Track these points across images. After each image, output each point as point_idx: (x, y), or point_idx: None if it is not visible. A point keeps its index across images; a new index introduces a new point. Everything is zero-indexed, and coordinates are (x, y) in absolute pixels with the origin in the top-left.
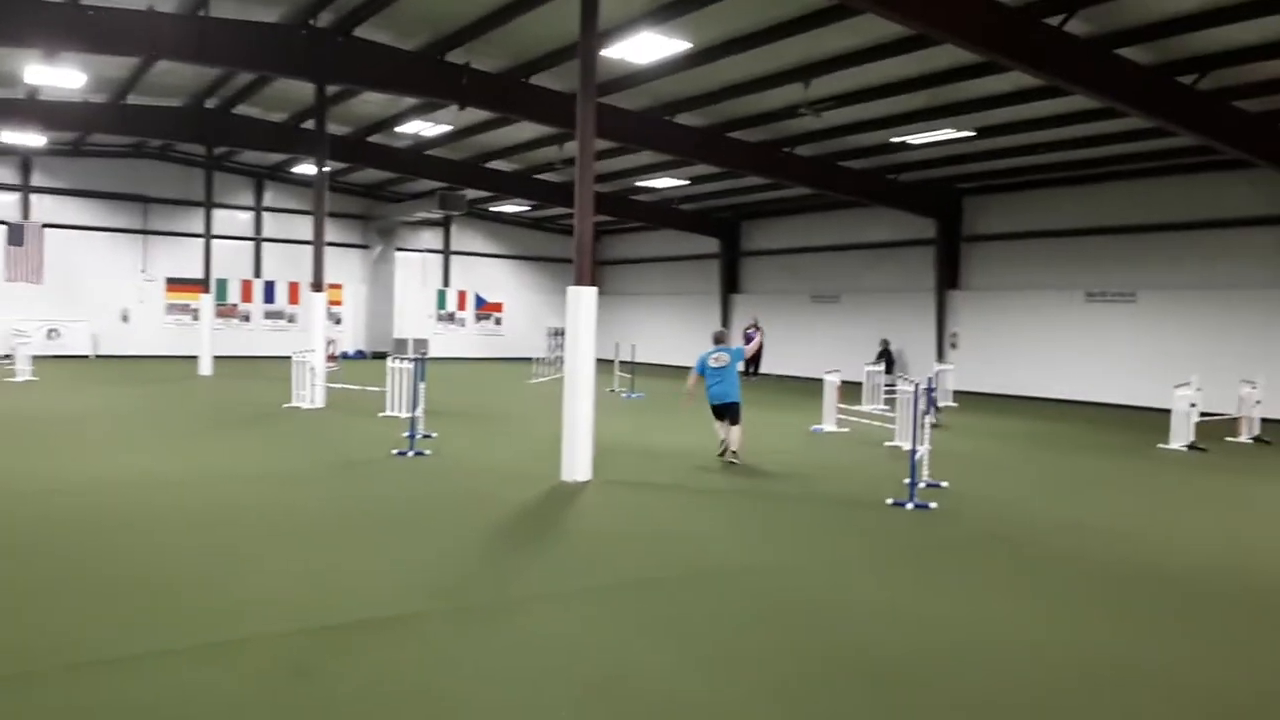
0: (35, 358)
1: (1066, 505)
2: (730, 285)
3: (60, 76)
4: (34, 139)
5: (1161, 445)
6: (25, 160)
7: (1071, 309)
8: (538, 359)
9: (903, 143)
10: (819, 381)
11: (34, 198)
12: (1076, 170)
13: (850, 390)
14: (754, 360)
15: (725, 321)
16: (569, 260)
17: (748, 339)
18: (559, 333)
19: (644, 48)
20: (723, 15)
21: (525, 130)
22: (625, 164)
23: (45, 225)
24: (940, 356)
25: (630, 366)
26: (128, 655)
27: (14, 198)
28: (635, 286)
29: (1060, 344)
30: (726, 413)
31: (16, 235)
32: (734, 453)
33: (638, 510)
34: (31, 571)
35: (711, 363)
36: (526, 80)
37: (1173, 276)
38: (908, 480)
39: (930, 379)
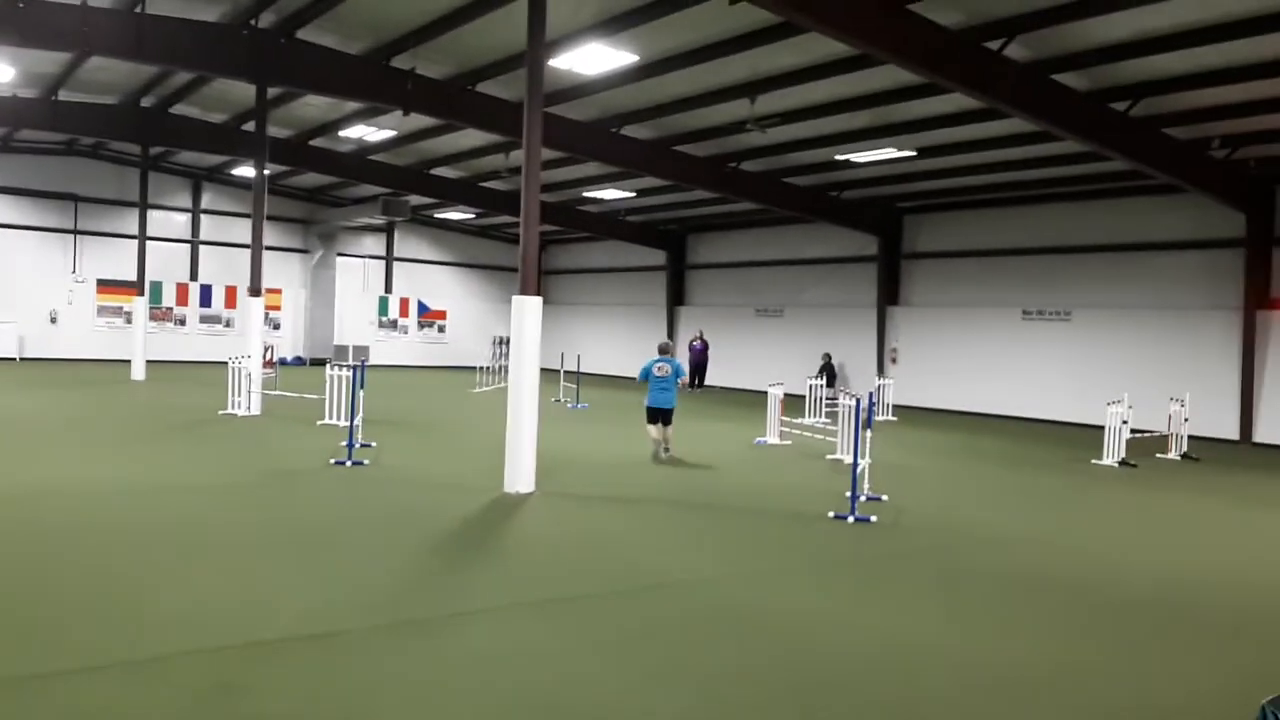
0: None
1: (1002, 518)
2: (676, 297)
3: None
4: None
5: (1094, 461)
6: None
7: (1008, 326)
8: (482, 368)
9: (846, 160)
10: (762, 394)
11: None
12: (1014, 191)
13: (793, 403)
14: (699, 372)
15: (671, 334)
16: (513, 269)
17: (693, 350)
18: (504, 341)
19: (592, 59)
20: (670, 29)
21: (471, 138)
22: (572, 174)
23: None
24: (880, 371)
25: (576, 376)
26: (46, 673)
27: None
28: (582, 296)
29: (997, 360)
30: (663, 416)
31: None
32: (668, 449)
33: (580, 523)
34: None
35: (656, 371)
36: (472, 88)
37: (1106, 296)
38: (849, 493)
39: (871, 393)
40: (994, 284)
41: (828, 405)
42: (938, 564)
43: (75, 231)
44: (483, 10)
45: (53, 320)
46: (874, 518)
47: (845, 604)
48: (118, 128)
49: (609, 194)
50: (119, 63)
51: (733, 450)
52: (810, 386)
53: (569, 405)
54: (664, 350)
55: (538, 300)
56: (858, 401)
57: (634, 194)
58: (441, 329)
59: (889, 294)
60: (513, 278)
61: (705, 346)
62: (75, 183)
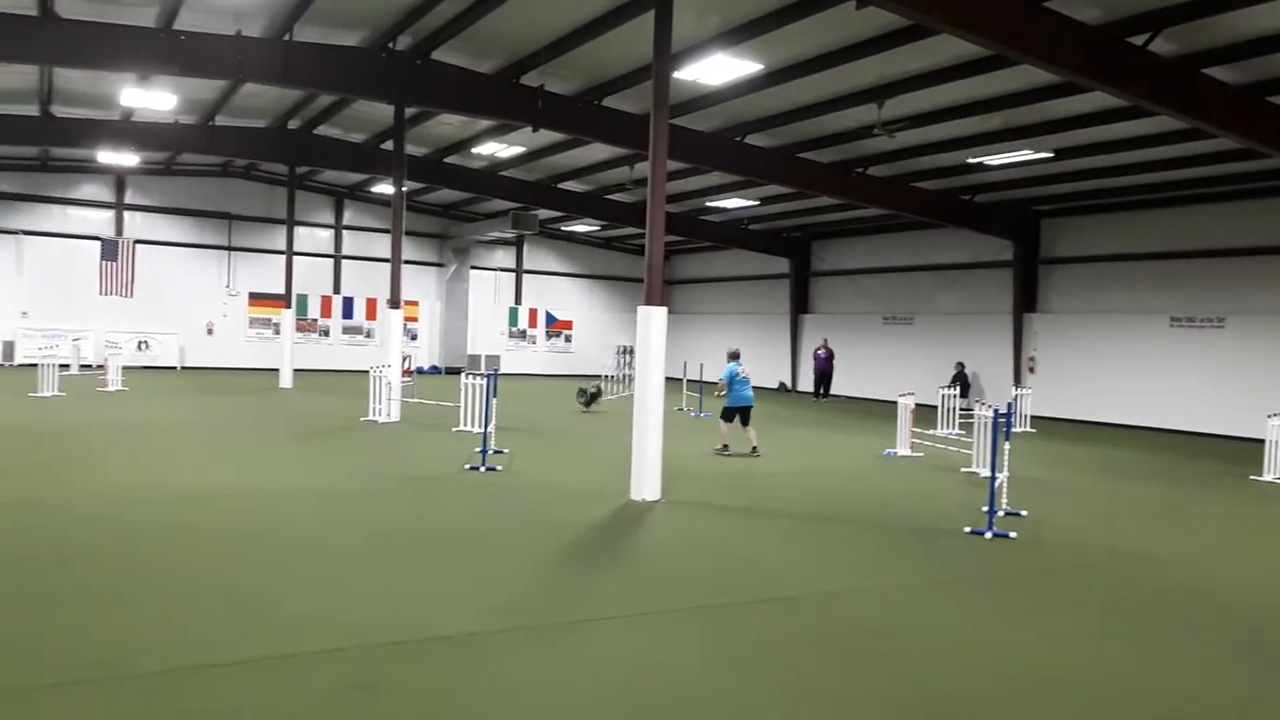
0: (125, 368)
1: (1151, 536)
2: (800, 305)
3: (153, 99)
4: (128, 159)
5: (1253, 477)
6: (120, 179)
7: (1155, 334)
8: (606, 376)
9: (979, 164)
10: (891, 404)
11: (127, 215)
12: (1161, 192)
13: (924, 414)
14: (824, 382)
15: (795, 342)
16: (638, 279)
17: (817, 359)
18: (627, 350)
19: (716, 70)
20: (794, 36)
21: (597, 151)
22: (695, 184)
23: (137, 241)
24: (1017, 381)
25: (699, 385)
26: (196, 665)
27: (108, 215)
28: (704, 306)
29: (1143, 370)
30: (748, 414)
31: (110, 251)
32: (756, 447)
33: (707, 531)
34: (102, 580)
35: (741, 373)
36: (599, 102)
37: (1265, 301)
38: (986, 508)
39: (1009, 403)
40: (1139, 290)
41: (961, 416)
42: (1082, 584)
43: (229, 248)
44: (609, 26)
45: (209, 332)
46: (1013, 534)
47: (981, 624)
48: (267, 149)
49: (732, 203)
50: (269, 88)
51: (861, 462)
52: (943, 397)
53: (692, 414)
54: (736, 356)
55: (663, 311)
56: (995, 412)
57: (757, 202)
58: (568, 339)
59: (1026, 301)
60: (636, 288)
61: (830, 355)
62: (229, 202)
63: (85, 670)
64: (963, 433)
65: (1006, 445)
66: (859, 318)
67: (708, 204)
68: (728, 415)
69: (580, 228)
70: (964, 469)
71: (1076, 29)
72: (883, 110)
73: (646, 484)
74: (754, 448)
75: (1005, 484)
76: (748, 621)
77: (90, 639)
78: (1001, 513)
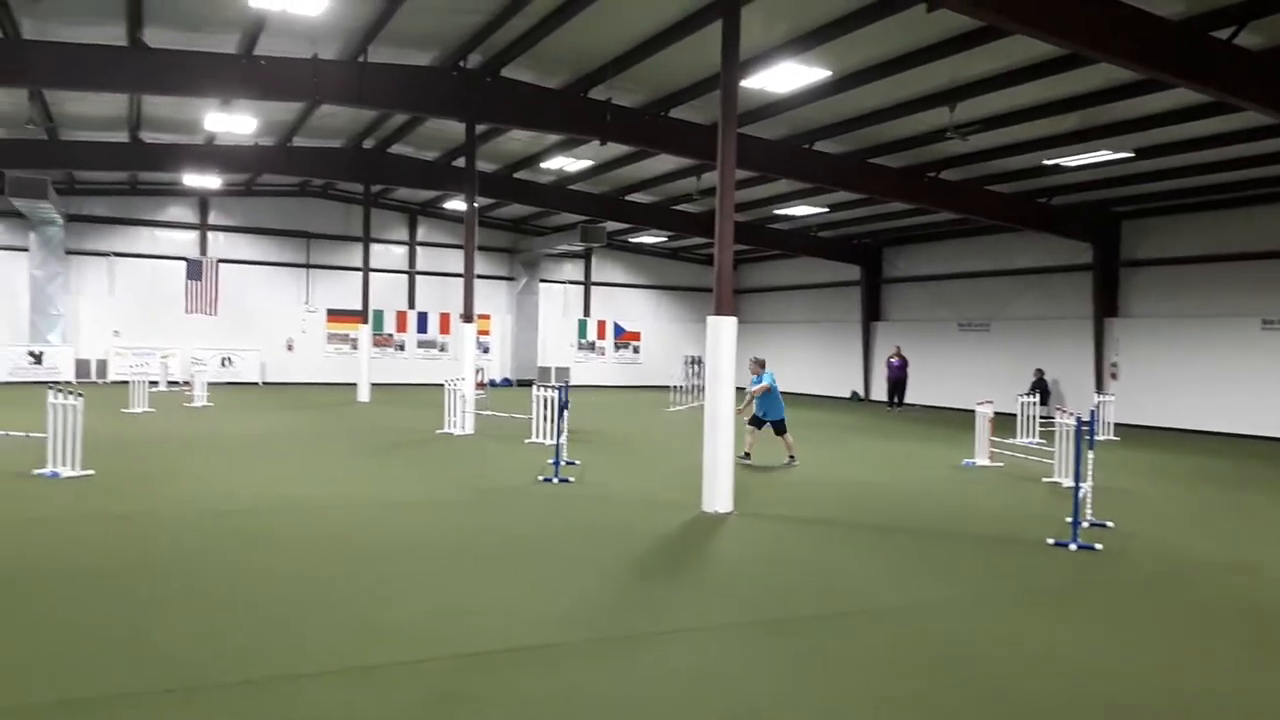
0: (210, 384)
1: (1247, 549)
2: (872, 313)
3: (234, 123)
4: (211, 181)
5: None
6: (203, 201)
7: (1246, 337)
8: (675, 387)
9: (1055, 165)
10: (967, 413)
11: (210, 235)
12: (1249, 190)
13: (1002, 422)
14: (898, 390)
15: (867, 350)
16: (706, 289)
17: (891, 368)
18: (696, 361)
19: (784, 77)
20: (863, 41)
21: (663, 163)
22: (763, 192)
23: (220, 261)
24: (1099, 387)
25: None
26: (280, 675)
27: (193, 235)
28: (773, 314)
29: (1233, 374)
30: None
31: (195, 270)
32: (794, 456)
33: (781, 544)
34: (195, 589)
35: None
36: (666, 114)
37: None
38: (1070, 519)
39: (1092, 411)
40: (1228, 292)
41: (1042, 424)
42: (1172, 597)
43: (308, 266)
44: (676, 37)
45: (289, 348)
46: (1099, 545)
47: (1062, 638)
48: (343, 169)
49: (800, 210)
50: (344, 109)
51: (938, 472)
52: (1022, 404)
53: None
54: (764, 365)
55: (733, 320)
56: (1078, 420)
57: (826, 209)
58: (636, 349)
59: (1107, 305)
60: (703, 298)
61: (904, 363)
62: (307, 221)
63: (186, 677)
64: (1043, 441)
65: (1090, 454)
66: (933, 324)
67: (776, 212)
68: (777, 428)
69: (647, 239)
70: (1045, 479)
71: (1157, 25)
72: (955, 113)
73: (718, 495)
74: (792, 456)
75: (1090, 494)
76: (822, 636)
77: (189, 646)
78: (1086, 524)
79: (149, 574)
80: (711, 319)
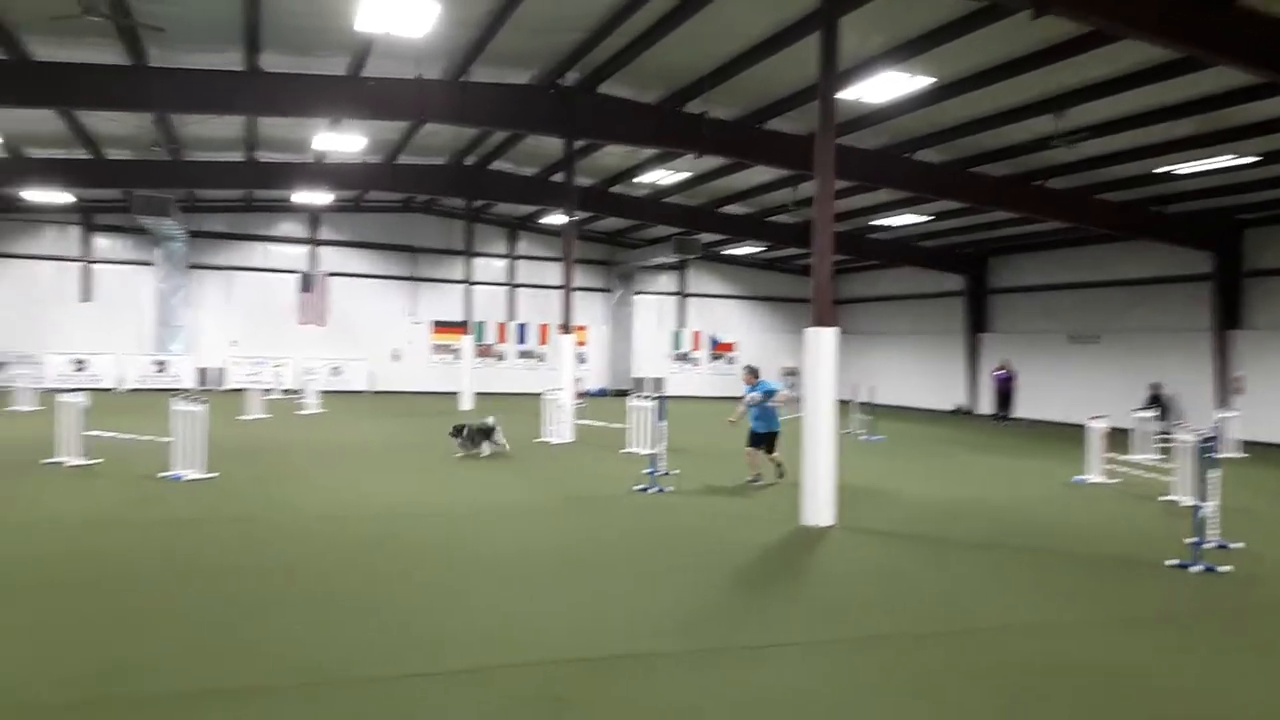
0: (321, 392)
1: None
2: (977, 324)
3: (343, 141)
4: (321, 198)
5: None
6: (314, 217)
7: None
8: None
9: (1168, 173)
10: (1077, 428)
11: (321, 250)
12: None
13: (1116, 438)
14: (1005, 403)
15: (972, 363)
16: (802, 300)
17: (997, 381)
18: (792, 372)
19: (882, 87)
20: (966, 49)
21: (759, 174)
22: (861, 202)
23: (330, 274)
24: (1222, 402)
25: (870, 408)
26: (394, 675)
27: (304, 250)
28: (873, 326)
29: None
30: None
31: (306, 283)
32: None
33: (884, 559)
34: (307, 591)
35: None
36: (761, 125)
37: None
38: (1191, 539)
39: (1215, 427)
40: None
41: (1159, 440)
42: None
43: (413, 279)
44: (773, 50)
45: (395, 358)
46: (1224, 568)
47: (1187, 664)
48: (446, 185)
49: (901, 220)
50: (447, 127)
51: (1048, 489)
52: (1137, 419)
53: (862, 438)
54: (758, 374)
55: (833, 332)
56: (1201, 436)
57: (928, 218)
58: (731, 361)
59: (1228, 317)
60: (800, 309)
61: (1010, 376)
62: (412, 235)
63: (307, 674)
64: (1162, 458)
65: (1214, 471)
66: (1041, 336)
67: (874, 222)
68: (770, 443)
69: (743, 250)
70: (1163, 497)
71: (1275, 27)
72: (1062, 120)
73: (819, 509)
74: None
75: (1213, 513)
76: (925, 654)
77: (309, 645)
78: (1210, 544)
79: (270, 574)
80: (810, 330)
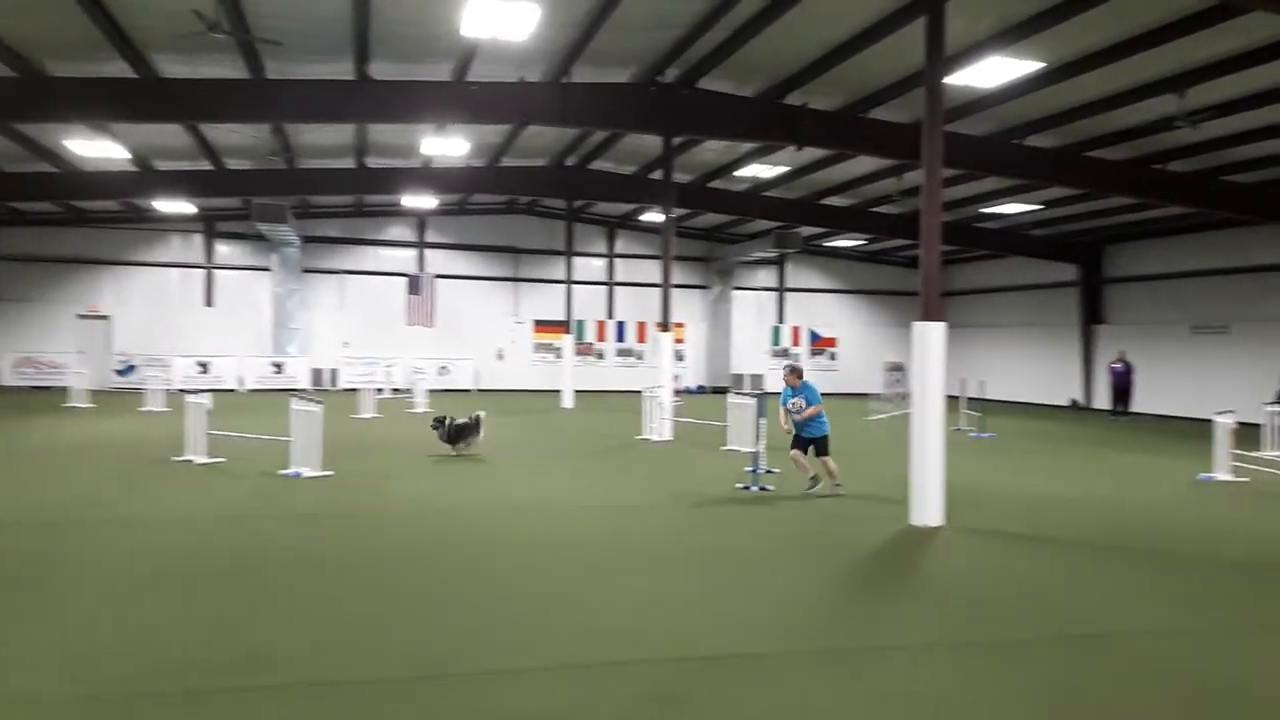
0: (429, 391)
1: None
2: (1092, 315)
3: (449, 146)
4: (427, 202)
5: None
6: (421, 221)
7: None
8: (875, 395)
9: None
10: (1202, 423)
11: (427, 253)
12: None
13: (1246, 433)
14: (1123, 398)
15: (1087, 355)
16: (906, 293)
17: (1114, 374)
18: (897, 367)
19: (991, 72)
20: (1079, 29)
21: (861, 164)
22: (968, 191)
23: (436, 276)
24: None
25: (979, 404)
26: (505, 669)
27: (412, 253)
28: (982, 318)
29: None
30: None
31: (414, 286)
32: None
33: (998, 560)
34: (419, 585)
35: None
36: (864, 115)
37: None
38: None
39: None
40: None
41: None
42: None
43: (515, 279)
44: (876, 38)
45: (499, 357)
46: None
47: None
48: (547, 186)
49: (1010, 208)
50: (548, 129)
51: (1171, 487)
52: (1270, 414)
53: (972, 434)
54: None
55: (941, 326)
56: None
57: (1039, 206)
58: (832, 356)
59: None
60: (904, 302)
61: (1129, 369)
62: (514, 237)
63: (421, 666)
64: None
65: None
66: (1161, 327)
67: (983, 210)
68: (821, 446)
69: (844, 242)
70: None
71: None
72: (1185, 100)
73: (928, 508)
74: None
75: None
76: (1043, 659)
77: (423, 637)
78: None
79: (388, 567)
80: (918, 325)
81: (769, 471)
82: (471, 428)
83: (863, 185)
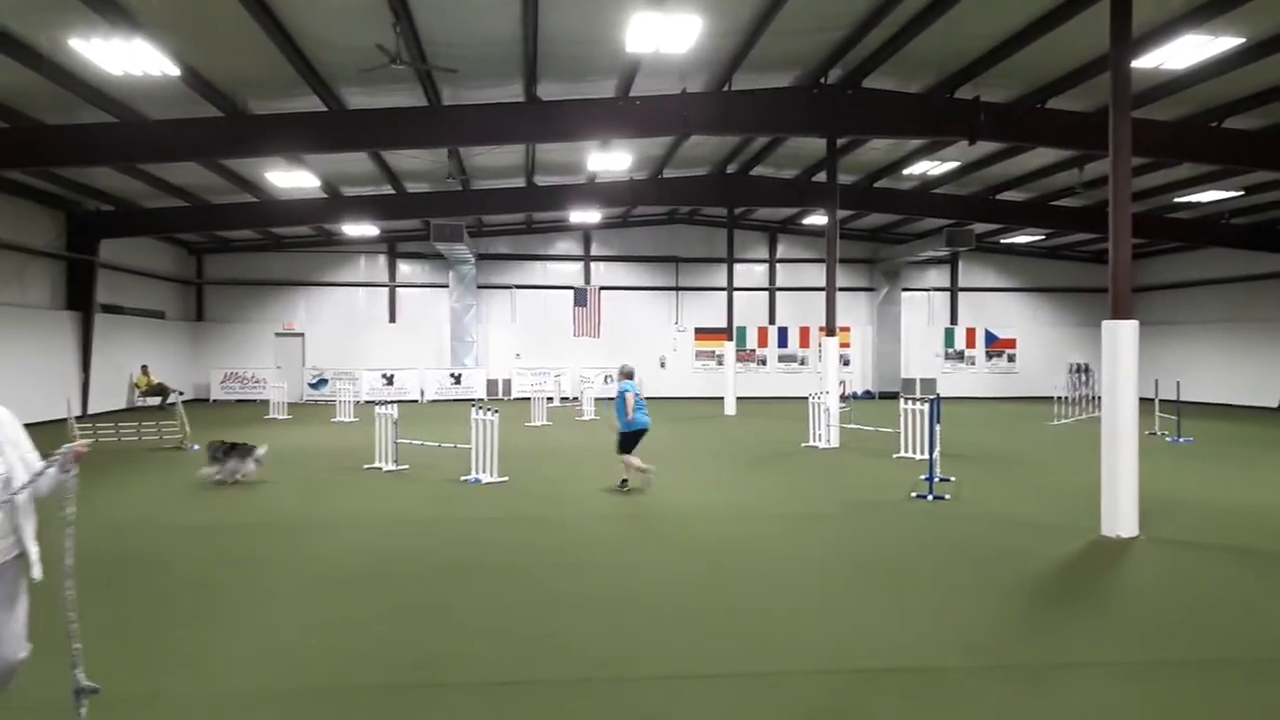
0: (596, 399)
1: None
2: None
3: (612, 161)
4: (592, 216)
5: None
6: (586, 234)
7: None
8: (1059, 398)
9: None
10: None
11: (592, 265)
12: None
13: None
14: None
15: None
16: (1090, 289)
17: None
18: (1081, 369)
19: (1183, 52)
20: None
21: (1039, 156)
22: (1157, 179)
23: (601, 288)
24: None
25: (1174, 406)
26: (675, 675)
27: (578, 266)
28: (1175, 314)
29: None
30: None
31: (581, 298)
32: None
33: (1198, 575)
34: (591, 589)
35: (641, 395)
36: (1042, 105)
37: None
38: None
39: None
40: None
41: None
42: None
43: (676, 288)
44: (1053, 25)
45: (661, 365)
46: None
47: None
48: (708, 194)
49: (1206, 196)
50: (709, 138)
51: None
52: None
53: (1168, 439)
54: (631, 375)
55: (1133, 325)
56: None
57: (1238, 193)
58: (1010, 358)
59: None
60: (1088, 299)
61: None
62: (675, 246)
63: (589, 670)
64: None
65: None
66: None
67: (1175, 200)
68: (628, 445)
69: (1021, 239)
70: None
71: None
72: None
73: (1120, 518)
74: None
75: None
76: (1249, 683)
77: (592, 642)
78: None
79: (560, 571)
80: (1108, 324)
81: (945, 479)
82: (245, 450)
83: (1040, 178)
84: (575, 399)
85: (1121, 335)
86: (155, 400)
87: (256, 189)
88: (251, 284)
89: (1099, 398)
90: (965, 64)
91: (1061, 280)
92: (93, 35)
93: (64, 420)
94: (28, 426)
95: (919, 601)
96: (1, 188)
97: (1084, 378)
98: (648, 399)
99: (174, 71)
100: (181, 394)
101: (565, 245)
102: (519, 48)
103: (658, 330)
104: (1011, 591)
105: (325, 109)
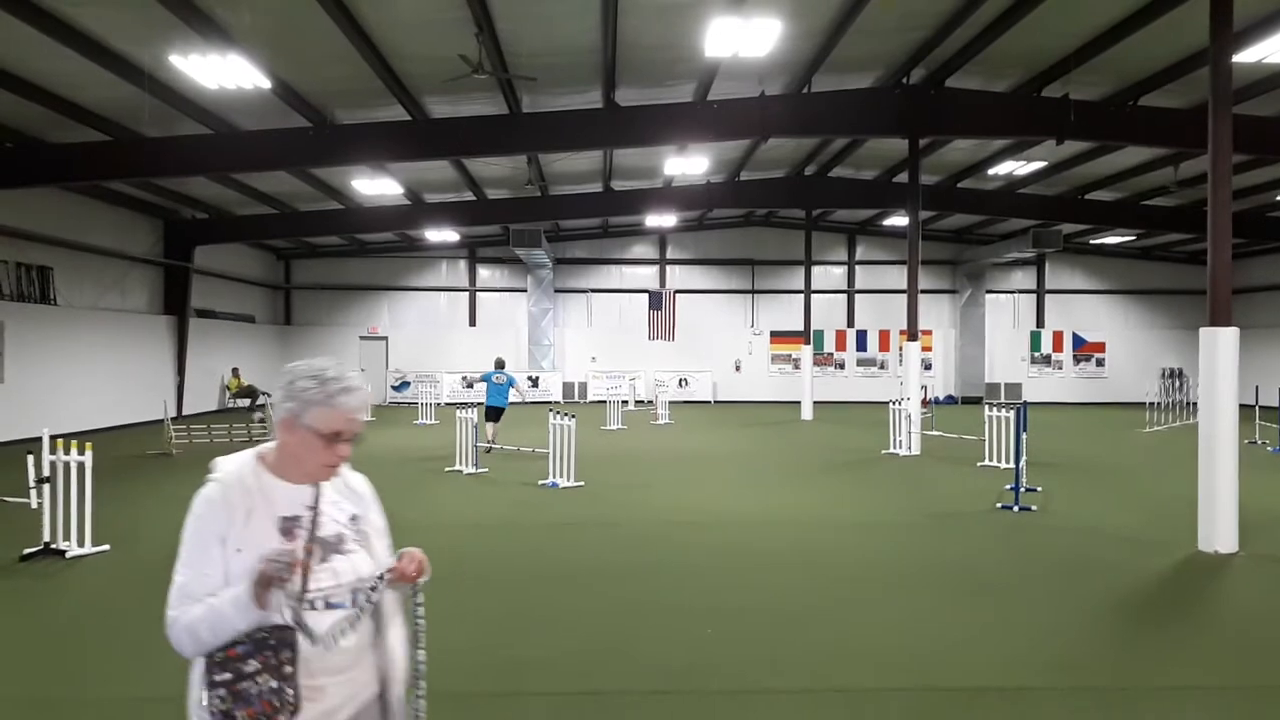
0: (670, 403)
1: None
2: None
3: (689, 165)
4: (668, 220)
5: None
6: (662, 238)
7: None
8: (1151, 404)
9: None
10: None
11: (668, 269)
12: None
13: None
14: None
15: None
16: (1185, 292)
17: None
18: (1174, 374)
19: None
20: None
21: (1130, 155)
22: (1259, 177)
23: (676, 291)
24: None
25: (1277, 414)
26: (756, 689)
27: (653, 270)
28: (1276, 318)
29: None
30: (496, 415)
31: (656, 301)
32: (493, 442)
33: None
34: (668, 598)
35: (494, 380)
36: (1134, 103)
37: None
38: None
39: None
40: None
41: None
42: None
43: (752, 291)
44: (1149, 18)
45: (737, 369)
46: None
47: None
48: (785, 197)
49: None
50: (787, 140)
51: None
52: None
53: (1269, 449)
54: (501, 364)
55: (1233, 332)
56: None
57: None
58: (1099, 362)
59: None
60: (1182, 302)
61: None
62: (751, 249)
63: (676, 680)
64: None
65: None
66: None
67: (1278, 198)
68: (487, 414)
69: (1111, 239)
70: None
71: None
72: None
73: (1219, 532)
74: (492, 442)
75: None
76: None
77: (670, 652)
78: None
79: (636, 577)
80: (1205, 331)
81: (1031, 489)
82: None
83: (1132, 178)
84: (650, 403)
85: (1221, 343)
86: (245, 402)
87: (342, 196)
88: (337, 289)
89: (1193, 404)
90: (1053, 61)
91: (1154, 282)
92: (191, 51)
93: (161, 421)
94: (127, 428)
95: (1005, 617)
96: (105, 198)
97: (1178, 383)
98: (721, 402)
99: (265, 84)
100: (270, 396)
101: (641, 249)
102: (598, 55)
103: (733, 333)
104: (1102, 608)
105: (409, 118)
